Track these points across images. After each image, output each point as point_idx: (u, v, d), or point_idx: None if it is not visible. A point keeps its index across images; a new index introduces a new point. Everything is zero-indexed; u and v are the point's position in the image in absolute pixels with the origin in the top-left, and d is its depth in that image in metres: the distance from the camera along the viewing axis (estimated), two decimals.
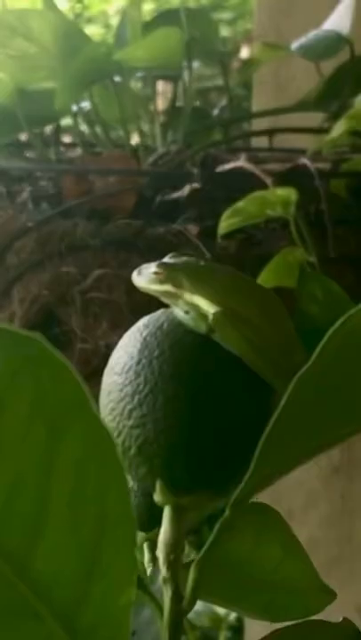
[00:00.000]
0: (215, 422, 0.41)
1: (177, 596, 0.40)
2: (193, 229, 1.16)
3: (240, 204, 1.09)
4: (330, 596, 0.57)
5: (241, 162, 1.18)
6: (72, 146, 1.52)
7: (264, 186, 1.14)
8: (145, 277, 0.45)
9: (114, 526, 0.37)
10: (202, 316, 0.43)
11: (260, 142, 1.44)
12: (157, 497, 0.42)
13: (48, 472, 0.36)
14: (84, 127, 1.47)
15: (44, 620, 0.37)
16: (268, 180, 1.12)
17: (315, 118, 1.36)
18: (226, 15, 2.52)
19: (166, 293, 0.44)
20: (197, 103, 1.69)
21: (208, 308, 0.43)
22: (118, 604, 0.37)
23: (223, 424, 0.41)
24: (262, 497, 1.44)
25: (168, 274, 0.44)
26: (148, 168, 1.28)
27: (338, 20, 1.34)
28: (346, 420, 0.39)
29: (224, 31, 2.39)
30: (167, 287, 0.44)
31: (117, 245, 1.12)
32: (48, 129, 1.50)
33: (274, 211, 1.11)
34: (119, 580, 0.37)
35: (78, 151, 1.48)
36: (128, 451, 0.42)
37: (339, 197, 1.19)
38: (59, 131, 1.50)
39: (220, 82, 1.56)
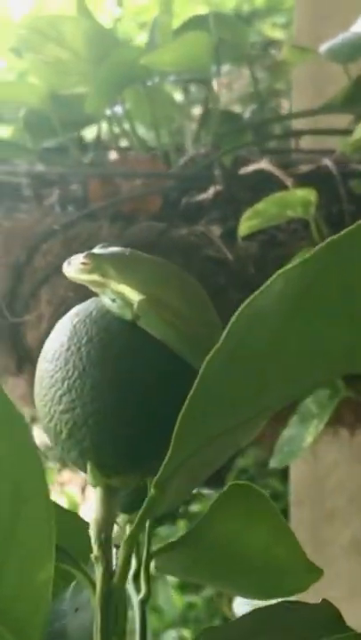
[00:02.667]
0: (141, 405, 0.43)
1: (108, 574, 0.42)
2: (216, 230, 1.17)
3: (260, 205, 1.10)
4: (316, 574, 0.59)
5: (263, 164, 1.19)
6: (106, 149, 1.54)
7: (287, 187, 1.15)
8: (74, 267, 0.46)
9: (28, 502, 0.38)
10: (127, 303, 0.44)
11: (300, 144, 1.45)
12: (88, 479, 0.43)
13: None
14: (118, 131, 1.48)
15: None
16: (289, 182, 1.13)
17: (349, 120, 1.37)
18: (280, 19, 2.52)
19: (94, 282, 0.46)
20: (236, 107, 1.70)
21: (133, 295, 0.44)
22: (37, 580, 0.38)
23: (148, 407, 0.43)
24: (306, 499, 1.45)
25: (95, 264, 0.46)
26: (174, 170, 1.29)
27: None
28: (256, 397, 0.40)
29: (278, 34, 2.39)
30: (95, 277, 0.46)
31: (141, 247, 1.13)
32: (85, 133, 1.52)
33: (294, 211, 1.11)
34: (36, 555, 0.38)
35: (112, 155, 1.50)
36: (59, 435, 0.43)
37: None
38: (99, 135, 1.52)
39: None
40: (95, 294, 0.47)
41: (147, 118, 1.42)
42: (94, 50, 1.36)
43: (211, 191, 1.21)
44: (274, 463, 1.11)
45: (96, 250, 0.48)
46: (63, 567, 0.42)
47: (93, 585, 0.42)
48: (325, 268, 0.38)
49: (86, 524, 0.46)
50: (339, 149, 1.29)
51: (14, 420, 0.38)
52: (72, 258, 0.48)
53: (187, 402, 0.39)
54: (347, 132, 1.26)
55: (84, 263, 0.46)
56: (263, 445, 1.57)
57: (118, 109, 1.45)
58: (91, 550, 0.43)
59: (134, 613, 0.58)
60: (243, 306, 0.38)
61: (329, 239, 0.38)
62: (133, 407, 0.43)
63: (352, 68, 1.36)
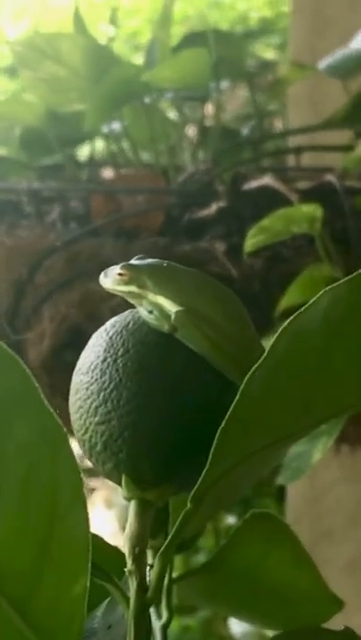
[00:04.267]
0: (178, 418, 0.42)
1: (142, 588, 0.41)
2: (220, 247, 1.17)
3: (265, 221, 1.09)
4: (338, 606, 0.58)
5: (267, 179, 1.18)
6: (104, 166, 1.54)
7: (291, 203, 1.15)
8: (110, 279, 0.46)
9: (66, 514, 0.37)
10: (165, 315, 0.44)
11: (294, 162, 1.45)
12: (123, 492, 0.43)
13: None
14: (115, 148, 1.48)
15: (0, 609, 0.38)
16: (294, 197, 1.13)
17: (350, 136, 1.37)
18: (274, 40, 2.53)
19: (131, 294, 0.45)
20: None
21: (170, 307, 0.44)
22: (72, 593, 0.38)
23: (186, 419, 0.42)
24: (303, 517, 1.44)
25: (132, 275, 0.45)
26: (175, 187, 1.29)
27: None
28: (299, 415, 0.40)
29: (271, 55, 2.40)
30: (132, 288, 0.45)
31: None
32: (81, 151, 1.52)
33: (300, 227, 1.11)
34: (72, 568, 0.38)
35: (110, 172, 1.49)
36: (94, 447, 0.43)
37: None
38: (93, 152, 1.52)
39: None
40: (132, 306, 0.46)
41: (145, 135, 1.42)
42: (92, 67, 1.36)
43: (213, 207, 1.21)
44: (282, 480, 1.10)
45: (133, 261, 0.47)
46: (96, 583, 0.41)
47: (127, 600, 0.41)
48: None
49: (108, 545, 0.46)
50: (339, 166, 1.29)
51: (54, 432, 0.37)
52: (108, 269, 0.47)
53: (227, 417, 0.38)
54: (349, 148, 1.27)
55: (120, 274, 0.46)
56: None
57: (116, 126, 1.45)
58: (116, 569, 0.42)
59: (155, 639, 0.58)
60: (286, 322, 0.38)
61: None
62: (170, 420, 0.42)
63: (351, 85, 1.37)
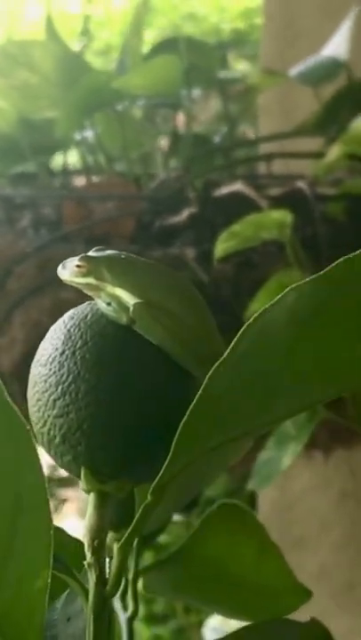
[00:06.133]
0: (136, 410, 0.42)
1: (101, 581, 0.41)
2: (190, 253, 1.17)
3: (236, 227, 1.10)
4: (305, 596, 0.58)
5: (237, 186, 1.19)
6: (76, 174, 1.54)
7: (261, 210, 1.15)
8: (68, 270, 0.46)
9: (29, 510, 0.38)
10: (123, 307, 0.43)
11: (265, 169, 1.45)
12: (82, 484, 0.43)
13: None
14: (88, 156, 1.48)
15: None
16: (264, 204, 1.13)
17: (320, 143, 1.37)
18: (247, 51, 2.54)
19: (89, 286, 0.45)
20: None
21: (129, 299, 0.44)
22: (34, 587, 0.38)
23: (144, 412, 0.42)
24: (274, 524, 1.43)
25: (90, 267, 0.45)
26: (147, 194, 1.29)
27: (336, 46, 1.35)
28: (261, 411, 0.40)
29: (244, 66, 2.40)
30: (90, 280, 0.45)
31: None
32: (53, 158, 1.52)
33: (269, 233, 1.11)
34: (34, 563, 0.38)
35: (83, 180, 1.49)
36: (53, 440, 0.42)
37: (336, 220, 1.19)
38: (66, 159, 1.51)
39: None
40: (91, 298, 0.46)
41: (117, 143, 1.42)
42: (64, 74, 1.36)
43: (185, 214, 1.21)
44: (253, 485, 1.10)
45: (91, 252, 0.47)
46: (55, 575, 0.41)
47: (86, 593, 0.41)
48: (340, 284, 0.37)
49: (70, 538, 0.46)
50: (309, 173, 1.30)
51: (17, 429, 0.37)
52: (67, 261, 0.47)
53: (189, 410, 0.38)
54: (319, 155, 1.27)
55: (78, 266, 0.45)
56: (233, 474, 1.57)
57: (88, 134, 1.45)
58: (76, 562, 0.42)
59: (121, 631, 0.58)
60: (252, 318, 0.38)
61: (345, 257, 0.37)
62: (128, 412, 0.42)
63: (322, 92, 1.37)
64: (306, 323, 0.38)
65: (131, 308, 0.44)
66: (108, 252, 0.46)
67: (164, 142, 1.55)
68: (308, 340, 0.39)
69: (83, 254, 0.46)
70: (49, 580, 0.38)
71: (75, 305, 1.24)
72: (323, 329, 0.39)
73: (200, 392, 0.38)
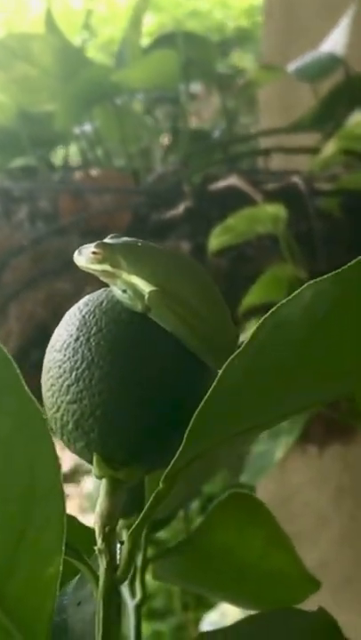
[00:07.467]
0: (149, 398, 0.42)
1: (111, 567, 0.41)
2: (185, 246, 1.17)
3: (230, 221, 1.10)
4: (314, 585, 0.58)
5: (232, 180, 1.19)
6: (75, 167, 1.54)
7: (256, 204, 1.15)
8: (84, 257, 0.46)
9: (42, 498, 0.38)
10: (138, 294, 0.43)
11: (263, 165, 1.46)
12: (94, 470, 0.43)
13: None
14: (87, 150, 1.48)
15: None
16: (259, 197, 1.13)
17: (319, 138, 1.37)
18: (250, 48, 2.54)
19: (105, 273, 0.45)
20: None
21: (144, 287, 0.44)
22: (46, 575, 0.38)
23: (157, 400, 0.42)
24: None
25: (106, 254, 0.45)
26: (143, 187, 1.29)
27: (334, 42, 1.35)
28: (274, 405, 0.40)
29: (246, 63, 2.40)
30: (105, 267, 0.45)
31: None
32: (54, 152, 1.52)
33: (264, 227, 1.11)
34: (47, 551, 0.38)
35: (80, 174, 1.50)
36: (66, 426, 0.42)
37: (332, 216, 1.20)
38: (67, 153, 1.52)
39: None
40: (106, 285, 0.46)
41: (116, 136, 1.42)
42: (63, 67, 1.36)
43: (180, 207, 1.21)
44: (246, 478, 1.11)
45: (108, 239, 0.47)
46: (66, 560, 0.42)
47: (97, 578, 0.41)
48: (356, 283, 0.38)
49: (80, 524, 0.46)
50: (306, 169, 1.30)
51: (33, 416, 0.38)
52: (83, 247, 0.47)
53: (204, 401, 0.38)
54: (315, 150, 1.27)
55: (95, 252, 0.45)
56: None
57: (87, 128, 1.45)
58: (87, 548, 0.43)
59: (128, 619, 0.58)
60: (268, 313, 0.38)
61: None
62: (142, 400, 0.42)
63: (320, 88, 1.38)
64: (322, 319, 0.38)
65: (146, 296, 0.43)
66: (125, 239, 0.46)
67: (163, 135, 1.55)
68: (322, 336, 0.39)
69: (99, 241, 0.46)
70: (61, 567, 0.39)
71: (70, 298, 1.25)
72: (338, 326, 0.39)
73: (215, 383, 0.38)
